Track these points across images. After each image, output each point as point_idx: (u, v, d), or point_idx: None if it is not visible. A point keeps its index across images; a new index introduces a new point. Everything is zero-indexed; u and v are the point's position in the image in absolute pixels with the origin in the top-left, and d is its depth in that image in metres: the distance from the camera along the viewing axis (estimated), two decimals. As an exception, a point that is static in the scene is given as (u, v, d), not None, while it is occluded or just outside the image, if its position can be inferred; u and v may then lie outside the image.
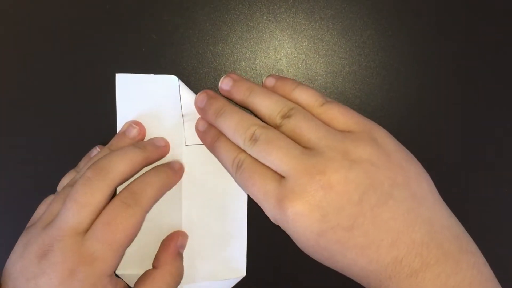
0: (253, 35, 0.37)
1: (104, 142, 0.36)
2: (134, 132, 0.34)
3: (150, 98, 0.35)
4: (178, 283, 0.32)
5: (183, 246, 0.34)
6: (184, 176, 0.35)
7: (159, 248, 0.33)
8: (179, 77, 0.36)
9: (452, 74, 0.37)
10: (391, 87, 0.37)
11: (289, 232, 0.28)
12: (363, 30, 0.37)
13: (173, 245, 0.33)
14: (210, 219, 0.35)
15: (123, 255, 0.30)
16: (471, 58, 0.37)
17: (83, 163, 0.35)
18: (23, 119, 0.37)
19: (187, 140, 0.35)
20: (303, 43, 0.37)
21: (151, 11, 0.37)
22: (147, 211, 0.31)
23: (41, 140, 0.37)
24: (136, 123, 0.35)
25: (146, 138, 0.35)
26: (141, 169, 0.33)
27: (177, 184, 0.34)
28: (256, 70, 0.37)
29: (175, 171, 0.34)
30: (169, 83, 0.35)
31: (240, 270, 0.35)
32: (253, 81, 0.37)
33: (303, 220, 0.27)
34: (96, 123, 0.37)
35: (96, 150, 0.35)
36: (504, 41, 0.37)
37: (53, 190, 0.35)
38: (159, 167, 0.33)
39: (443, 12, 0.37)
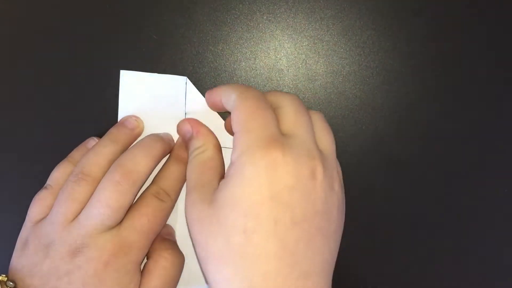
0: (253, 35, 0.37)
1: (104, 142, 0.36)
2: (134, 123, 0.34)
3: (155, 97, 0.35)
4: (180, 266, 0.32)
5: (170, 234, 0.34)
6: None
7: None
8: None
9: (452, 74, 0.37)
10: (391, 87, 0.37)
11: None
12: (363, 30, 0.37)
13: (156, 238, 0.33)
14: None
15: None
16: (471, 58, 0.37)
17: (78, 154, 0.34)
18: (23, 119, 0.37)
19: (187, 109, 0.35)
20: (303, 43, 0.37)
21: (151, 11, 0.37)
22: (175, 201, 0.33)
23: (41, 140, 0.37)
24: (136, 117, 0.35)
25: (145, 135, 0.35)
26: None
27: None
28: (256, 70, 0.37)
29: (186, 154, 0.34)
30: (177, 83, 0.35)
31: None
32: (253, 81, 0.37)
33: None
34: (96, 123, 0.37)
35: (93, 140, 0.35)
36: (504, 41, 0.37)
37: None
38: (177, 157, 0.34)
39: (443, 12, 0.37)
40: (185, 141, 0.34)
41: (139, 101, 0.35)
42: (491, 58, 0.37)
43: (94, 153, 0.32)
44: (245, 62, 0.37)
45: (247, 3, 0.37)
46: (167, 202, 0.32)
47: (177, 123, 0.34)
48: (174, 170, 0.33)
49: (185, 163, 0.33)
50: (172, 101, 0.35)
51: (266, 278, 0.25)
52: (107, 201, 0.29)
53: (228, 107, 0.30)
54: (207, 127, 0.33)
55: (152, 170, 0.32)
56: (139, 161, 0.31)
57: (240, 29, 0.37)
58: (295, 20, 0.37)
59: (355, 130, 0.37)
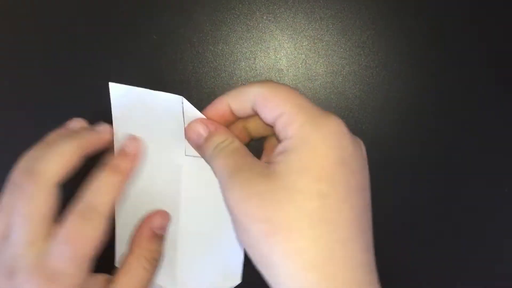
0: (253, 35, 0.37)
1: (104, 142, 0.36)
2: (132, 147, 0.31)
3: (150, 117, 0.32)
4: (156, 266, 0.31)
5: (162, 228, 0.32)
6: (183, 188, 0.33)
7: (135, 231, 0.32)
8: (178, 77, 0.36)
9: (452, 74, 0.37)
10: (391, 87, 0.37)
11: None
12: (363, 30, 0.37)
13: (146, 227, 0.31)
14: (207, 229, 0.33)
15: (91, 264, 0.28)
16: (471, 58, 0.37)
17: (55, 136, 0.31)
18: (23, 119, 0.37)
19: (187, 150, 0.32)
20: (303, 43, 0.37)
21: (151, 12, 0.37)
22: (108, 217, 0.29)
23: (39, 140, 0.37)
24: (134, 138, 0.32)
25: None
26: (82, 159, 0.29)
27: (175, 196, 0.33)
28: (256, 70, 0.37)
29: (126, 158, 0.30)
30: (172, 103, 0.31)
31: (235, 277, 0.34)
32: (253, 81, 0.37)
33: None
34: (95, 123, 0.37)
35: (76, 122, 0.32)
36: (504, 41, 0.37)
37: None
38: (114, 167, 0.30)
39: (443, 12, 0.37)
40: (199, 144, 0.30)
41: (133, 119, 0.32)
42: (491, 58, 0.37)
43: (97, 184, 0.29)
44: (245, 62, 0.37)
45: (247, 3, 0.37)
46: (95, 221, 0.27)
47: (174, 130, 0.31)
48: (106, 182, 0.29)
49: (124, 174, 0.30)
50: (170, 122, 0.31)
51: (345, 246, 0.24)
52: (19, 210, 0.27)
53: (247, 106, 0.28)
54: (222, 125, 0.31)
55: (67, 170, 0.28)
56: (45, 160, 0.28)
57: (240, 29, 0.37)
58: (295, 20, 0.37)
59: (355, 130, 0.37)
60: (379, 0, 0.37)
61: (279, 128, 0.27)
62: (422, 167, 0.37)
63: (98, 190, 0.29)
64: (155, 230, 0.32)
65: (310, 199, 0.24)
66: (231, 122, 0.30)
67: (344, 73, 0.37)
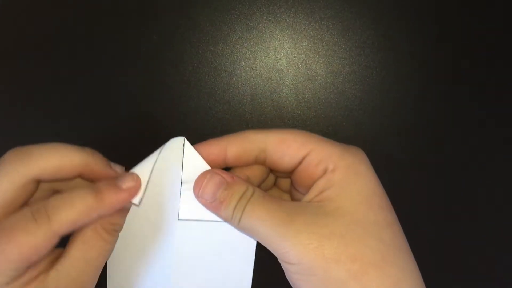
0: (253, 35, 0.37)
1: (104, 142, 0.36)
2: (129, 186, 0.26)
3: (152, 160, 0.29)
4: (116, 238, 0.27)
5: (117, 224, 0.27)
6: (174, 253, 0.29)
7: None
8: (178, 77, 0.36)
9: (452, 74, 0.37)
10: (391, 87, 0.37)
11: None
12: (363, 30, 0.37)
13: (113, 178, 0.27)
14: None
15: (18, 274, 0.24)
16: (471, 58, 0.37)
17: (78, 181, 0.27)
18: (23, 119, 0.37)
19: (181, 213, 0.29)
20: (303, 43, 0.37)
21: (151, 11, 0.37)
22: (57, 236, 0.24)
23: (40, 140, 0.37)
24: (137, 179, 0.27)
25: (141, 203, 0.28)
26: (96, 217, 0.25)
27: (166, 261, 0.29)
28: (256, 70, 0.37)
29: (118, 191, 0.26)
30: (175, 144, 0.29)
31: None
32: (253, 81, 0.37)
33: None
34: (96, 123, 0.37)
35: (119, 168, 0.28)
36: (504, 41, 0.37)
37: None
38: (99, 182, 0.26)
39: (442, 12, 0.37)
40: (213, 202, 0.26)
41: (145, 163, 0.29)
42: (491, 58, 0.37)
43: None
44: (245, 62, 0.37)
45: (247, 3, 0.37)
46: (40, 226, 0.23)
47: (171, 188, 0.28)
48: (79, 197, 0.24)
49: (99, 201, 0.25)
50: (168, 163, 0.28)
51: (416, 268, 0.25)
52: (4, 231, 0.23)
53: (251, 154, 0.27)
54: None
55: (77, 223, 0.24)
56: (58, 206, 0.24)
57: (240, 29, 0.37)
58: (295, 20, 0.37)
59: (355, 130, 0.37)
60: (379, 0, 0.37)
61: (310, 165, 0.25)
62: (422, 167, 0.37)
63: (65, 200, 0.24)
64: (110, 224, 0.27)
65: (385, 229, 0.24)
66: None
67: (344, 73, 0.37)
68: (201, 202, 0.27)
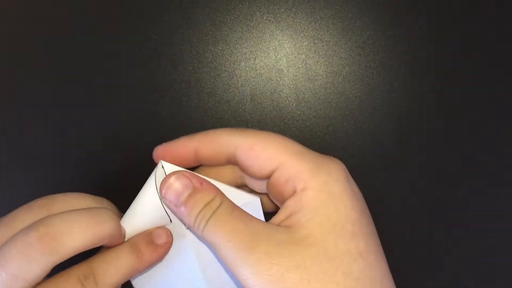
0: (253, 35, 0.37)
1: (103, 142, 0.36)
2: (164, 240, 0.26)
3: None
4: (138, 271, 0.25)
5: (161, 237, 0.26)
6: (196, 262, 0.27)
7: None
8: (178, 77, 0.36)
9: (452, 74, 0.37)
10: (391, 87, 0.37)
11: None
12: (363, 30, 0.37)
13: (148, 232, 0.25)
14: None
15: None
16: (471, 58, 0.37)
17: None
18: (23, 119, 0.37)
19: (172, 219, 0.27)
20: (303, 43, 0.37)
21: (151, 11, 0.37)
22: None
23: (40, 140, 0.37)
24: (167, 232, 0.26)
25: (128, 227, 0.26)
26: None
27: (192, 272, 0.27)
28: (256, 70, 0.37)
29: (155, 248, 0.25)
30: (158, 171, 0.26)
31: None
32: (253, 81, 0.37)
33: None
34: (95, 123, 0.37)
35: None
36: (504, 41, 0.37)
37: (50, 192, 0.33)
38: (135, 240, 0.25)
39: (442, 12, 0.37)
40: (177, 205, 0.24)
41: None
42: (491, 58, 0.37)
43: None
44: (245, 62, 0.37)
45: (247, 3, 0.37)
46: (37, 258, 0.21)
47: (154, 200, 0.26)
48: (122, 258, 0.24)
49: (140, 260, 0.24)
50: (146, 189, 0.26)
51: None
52: (7, 264, 0.21)
53: (221, 156, 0.25)
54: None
55: (80, 251, 0.23)
56: (73, 231, 0.22)
57: (240, 29, 0.37)
58: (295, 20, 0.37)
59: (355, 130, 0.37)
60: (379, 0, 0.37)
61: (279, 181, 0.23)
62: (422, 167, 0.37)
63: (110, 262, 0.24)
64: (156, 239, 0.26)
65: (356, 260, 0.22)
66: (190, 168, 0.26)
67: (344, 73, 0.37)
68: (165, 203, 0.25)
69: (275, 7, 0.37)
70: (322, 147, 0.37)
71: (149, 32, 0.36)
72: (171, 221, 0.26)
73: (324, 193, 0.22)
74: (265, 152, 0.24)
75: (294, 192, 0.23)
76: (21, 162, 0.37)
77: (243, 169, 0.25)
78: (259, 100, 0.37)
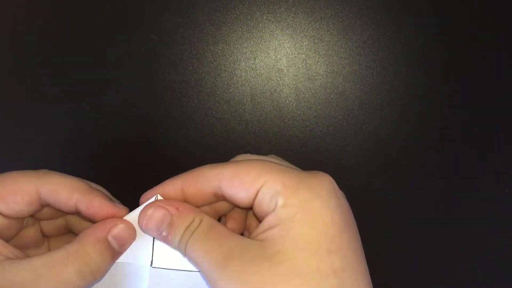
0: (253, 35, 0.37)
1: (103, 142, 0.36)
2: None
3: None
4: (92, 279, 0.24)
5: (118, 239, 0.25)
6: None
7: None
8: (178, 77, 0.36)
9: (452, 74, 0.37)
10: (391, 87, 0.37)
11: None
12: (363, 30, 0.37)
13: (101, 228, 0.25)
14: None
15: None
16: (471, 58, 0.37)
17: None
18: (23, 119, 0.37)
19: (154, 261, 0.27)
20: (303, 43, 0.37)
21: (151, 11, 0.37)
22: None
23: (40, 140, 0.37)
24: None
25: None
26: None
27: None
28: (256, 70, 0.37)
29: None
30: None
31: None
32: (253, 81, 0.37)
33: None
34: (95, 123, 0.37)
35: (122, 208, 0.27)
36: (504, 40, 0.37)
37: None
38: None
39: (443, 12, 0.37)
40: (160, 235, 0.25)
41: None
42: (491, 58, 0.37)
43: None
44: (245, 62, 0.37)
45: (247, 3, 0.37)
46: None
47: (143, 236, 0.26)
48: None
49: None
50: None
51: None
52: None
53: (207, 192, 0.25)
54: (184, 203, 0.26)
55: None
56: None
57: (240, 29, 0.37)
58: (295, 20, 0.37)
59: (355, 130, 0.37)
60: (379, 0, 0.37)
61: (264, 200, 0.23)
62: (422, 168, 0.37)
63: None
64: (110, 237, 0.25)
65: (327, 278, 0.21)
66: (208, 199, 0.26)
67: (345, 73, 0.37)
68: (148, 234, 0.25)
69: (275, 7, 0.37)
70: (322, 147, 0.37)
71: (149, 32, 0.36)
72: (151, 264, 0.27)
73: (303, 210, 0.22)
74: (248, 175, 0.24)
75: (275, 207, 0.23)
76: (21, 162, 0.37)
77: (230, 200, 0.25)
78: (259, 100, 0.37)
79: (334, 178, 0.25)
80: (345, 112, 0.37)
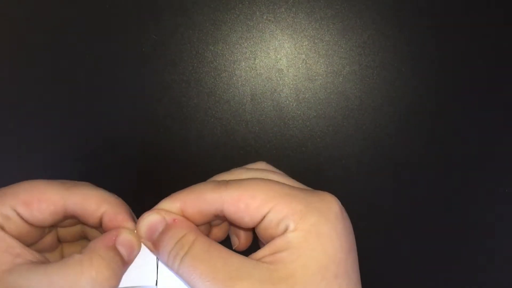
0: (253, 35, 0.37)
1: (103, 142, 0.36)
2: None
3: None
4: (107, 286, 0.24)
5: (125, 245, 0.25)
6: None
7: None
8: (178, 77, 0.36)
9: (452, 74, 0.37)
10: (391, 87, 0.37)
11: None
12: (363, 30, 0.37)
13: (108, 236, 0.25)
14: None
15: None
16: (471, 58, 0.37)
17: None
18: (23, 119, 0.37)
19: (159, 282, 0.27)
20: (303, 43, 0.37)
21: (151, 11, 0.37)
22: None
23: (40, 140, 0.37)
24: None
25: None
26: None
27: None
28: (256, 70, 0.37)
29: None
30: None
31: None
32: (253, 81, 0.37)
33: None
34: (95, 123, 0.37)
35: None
36: (504, 40, 0.37)
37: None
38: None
39: (443, 12, 0.37)
40: (154, 241, 0.25)
41: None
42: (491, 58, 0.37)
43: None
44: (245, 62, 0.37)
45: (247, 3, 0.37)
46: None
47: (147, 257, 0.26)
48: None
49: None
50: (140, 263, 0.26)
51: None
52: None
53: (208, 214, 0.25)
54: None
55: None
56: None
57: (240, 29, 0.37)
58: (295, 20, 0.37)
59: (355, 130, 0.37)
60: (379, 0, 0.37)
61: (270, 225, 0.23)
62: (422, 167, 0.37)
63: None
64: (117, 245, 0.25)
65: None
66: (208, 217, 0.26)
67: (345, 73, 0.37)
68: (142, 242, 0.25)
69: (275, 7, 0.37)
70: (322, 147, 0.37)
71: (149, 32, 0.36)
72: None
73: (313, 234, 0.23)
74: (254, 200, 0.24)
75: (285, 231, 0.23)
76: (21, 162, 0.37)
77: (233, 222, 0.25)
78: (259, 100, 0.37)
79: (334, 178, 0.25)
80: (345, 112, 0.37)
